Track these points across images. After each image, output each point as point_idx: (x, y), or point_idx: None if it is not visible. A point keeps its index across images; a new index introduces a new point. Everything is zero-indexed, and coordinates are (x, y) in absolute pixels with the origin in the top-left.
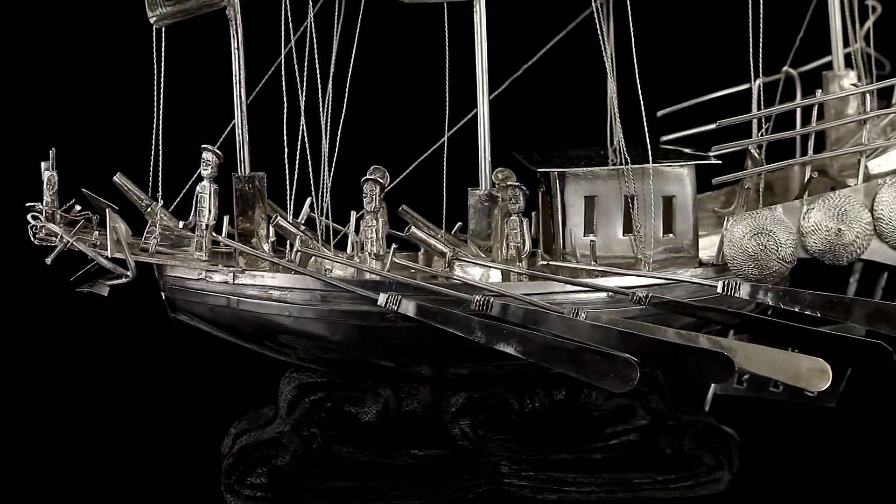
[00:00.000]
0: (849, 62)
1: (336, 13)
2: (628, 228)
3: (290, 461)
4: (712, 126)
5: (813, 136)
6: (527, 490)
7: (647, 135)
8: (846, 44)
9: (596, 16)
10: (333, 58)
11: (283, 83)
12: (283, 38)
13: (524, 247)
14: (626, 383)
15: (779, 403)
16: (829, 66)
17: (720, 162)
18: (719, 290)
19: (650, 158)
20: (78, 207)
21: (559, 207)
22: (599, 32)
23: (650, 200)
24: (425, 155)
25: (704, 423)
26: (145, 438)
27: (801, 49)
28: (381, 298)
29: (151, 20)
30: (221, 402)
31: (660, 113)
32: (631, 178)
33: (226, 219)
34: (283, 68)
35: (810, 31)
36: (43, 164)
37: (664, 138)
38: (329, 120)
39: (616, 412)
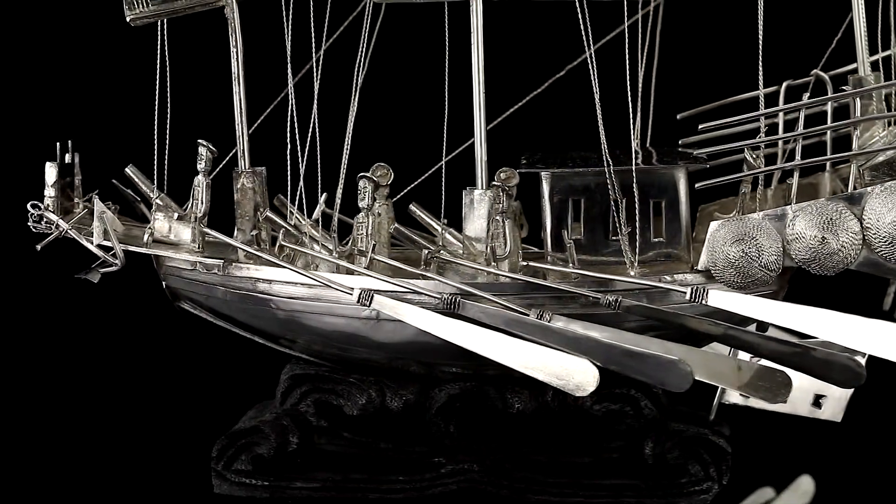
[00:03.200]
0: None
1: (365, 24)
2: (616, 231)
3: (270, 450)
4: (736, 129)
5: (800, 142)
6: (506, 490)
7: (633, 137)
8: (885, 47)
9: (582, 23)
10: (359, 59)
11: (289, 82)
12: (286, 37)
13: (505, 247)
14: (585, 388)
15: (785, 416)
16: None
17: (708, 165)
18: (687, 296)
19: (634, 160)
20: (96, 199)
21: (546, 208)
22: (584, 35)
23: (637, 203)
24: (447, 159)
25: (693, 432)
26: (155, 426)
27: (844, 52)
28: (355, 294)
29: (128, 18)
30: (237, 391)
31: (680, 116)
32: (617, 179)
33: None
34: (288, 68)
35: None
36: (67, 156)
37: (683, 141)
38: (350, 116)
39: (606, 416)
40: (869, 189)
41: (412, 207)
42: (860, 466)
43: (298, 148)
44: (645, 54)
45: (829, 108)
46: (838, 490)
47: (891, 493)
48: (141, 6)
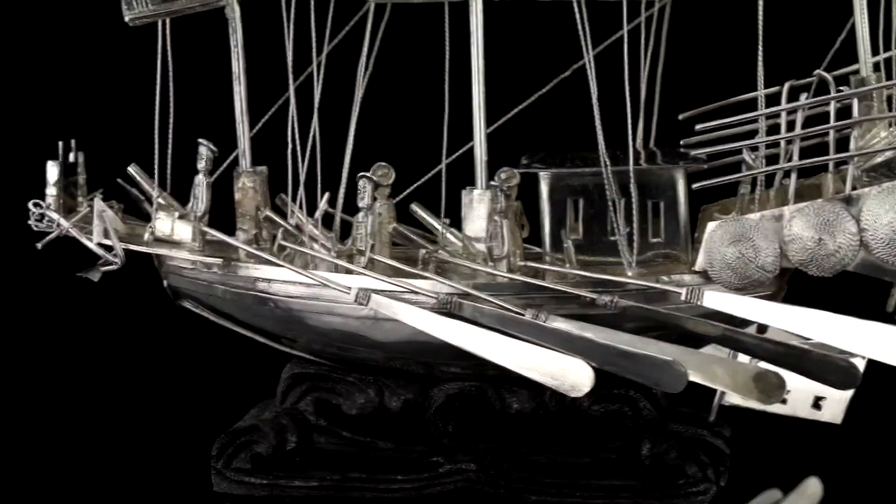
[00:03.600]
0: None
1: (368, 25)
2: (614, 231)
3: (268, 449)
4: (736, 129)
5: (798, 142)
6: (504, 490)
7: (635, 137)
8: (886, 48)
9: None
10: (361, 60)
11: (290, 82)
12: (286, 36)
13: (503, 247)
14: (580, 388)
15: (785, 417)
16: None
17: (705, 166)
18: (683, 297)
19: (631, 161)
20: (97, 198)
21: (544, 209)
22: (582, 32)
23: (635, 202)
24: (448, 161)
25: (691, 433)
26: (155, 425)
27: (847, 53)
28: (353, 293)
29: (127, 18)
30: (238, 390)
31: (681, 116)
32: (615, 180)
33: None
34: (289, 68)
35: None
36: (71, 154)
37: (684, 141)
38: (353, 116)
39: (604, 417)
40: (866, 190)
41: (413, 207)
42: (860, 468)
43: (299, 148)
44: (650, 54)
45: (831, 108)
46: (838, 492)
47: (891, 495)
48: (141, 6)
